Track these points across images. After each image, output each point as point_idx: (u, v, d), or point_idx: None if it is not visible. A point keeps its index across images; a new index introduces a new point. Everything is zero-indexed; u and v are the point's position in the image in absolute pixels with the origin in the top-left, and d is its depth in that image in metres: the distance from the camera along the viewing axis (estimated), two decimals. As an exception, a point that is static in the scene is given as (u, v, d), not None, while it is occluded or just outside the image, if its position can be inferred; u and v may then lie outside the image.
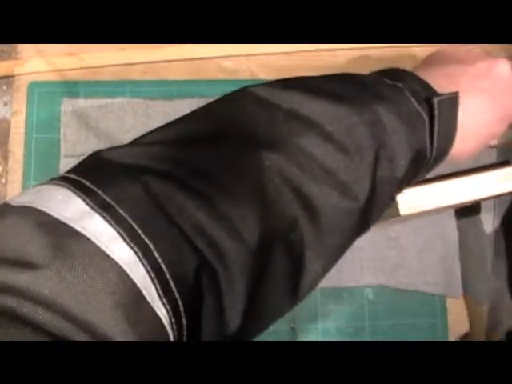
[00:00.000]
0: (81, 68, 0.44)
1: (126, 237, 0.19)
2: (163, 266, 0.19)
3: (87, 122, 0.42)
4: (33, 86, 0.43)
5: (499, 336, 0.42)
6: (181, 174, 0.22)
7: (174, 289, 0.20)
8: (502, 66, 0.31)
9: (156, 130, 0.25)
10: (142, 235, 0.19)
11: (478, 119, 0.30)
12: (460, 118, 0.29)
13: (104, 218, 0.19)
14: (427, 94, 0.28)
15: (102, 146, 0.42)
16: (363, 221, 0.27)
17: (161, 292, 0.19)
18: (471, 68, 0.31)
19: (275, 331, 0.41)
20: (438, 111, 0.27)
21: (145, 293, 0.19)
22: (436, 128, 0.27)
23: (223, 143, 0.24)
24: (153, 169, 0.21)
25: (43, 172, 0.42)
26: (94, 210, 0.19)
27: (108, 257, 0.18)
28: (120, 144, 0.25)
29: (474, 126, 0.30)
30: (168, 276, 0.19)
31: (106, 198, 0.19)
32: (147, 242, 0.19)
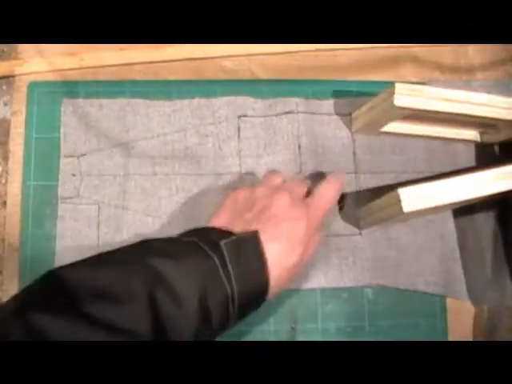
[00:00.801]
0: (81, 68, 0.44)
1: None
2: None
3: (87, 122, 0.42)
4: (33, 86, 0.43)
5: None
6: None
7: None
8: (278, 200, 0.35)
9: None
10: None
11: (271, 257, 0.32)
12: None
13: None
14: (217, 239, 0.31)
15: (102, 146, 0.43)
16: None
17: None
18: (245, 215, 0.35)
19: (275, 331, 0.41)
20: (227, 252, 0.31)
21: None
22: (229, 267, 0.30)
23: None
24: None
25: (43, 172, 0.41)
26: None
27: None
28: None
29: (269, 261, 0.32)
30: None
31: None
32: None
